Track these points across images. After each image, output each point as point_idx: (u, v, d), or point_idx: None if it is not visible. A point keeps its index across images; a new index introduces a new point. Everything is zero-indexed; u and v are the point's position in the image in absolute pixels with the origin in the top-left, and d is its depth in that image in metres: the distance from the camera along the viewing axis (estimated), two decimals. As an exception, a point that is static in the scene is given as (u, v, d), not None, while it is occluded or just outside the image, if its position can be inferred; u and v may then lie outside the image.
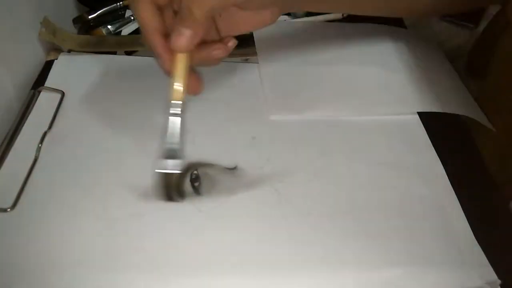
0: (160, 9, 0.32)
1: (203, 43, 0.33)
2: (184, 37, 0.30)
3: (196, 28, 0.30)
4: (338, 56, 0.49)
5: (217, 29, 0.36)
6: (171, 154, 0.32)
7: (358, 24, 0.54)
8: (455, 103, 0.44)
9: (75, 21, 0.52)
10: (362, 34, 0.53)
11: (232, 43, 0.35)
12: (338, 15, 0.57)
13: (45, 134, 0.38)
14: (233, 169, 0.37)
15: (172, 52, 0.31)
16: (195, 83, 0.33)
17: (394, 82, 0.46)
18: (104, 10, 0.53)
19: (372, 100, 0.44)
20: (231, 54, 0.47)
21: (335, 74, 0.46)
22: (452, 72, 0.50)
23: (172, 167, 0.32)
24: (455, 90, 0.47)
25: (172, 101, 0.31)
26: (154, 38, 0.31)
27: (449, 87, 0.47)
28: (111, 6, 0.53)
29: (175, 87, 0.31)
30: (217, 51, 0.34)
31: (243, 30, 0.36)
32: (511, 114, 0.43)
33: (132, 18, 0.52)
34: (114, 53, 0.47)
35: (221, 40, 0.35)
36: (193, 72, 0.33)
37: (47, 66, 0.45)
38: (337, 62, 0.48)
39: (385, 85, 0.45)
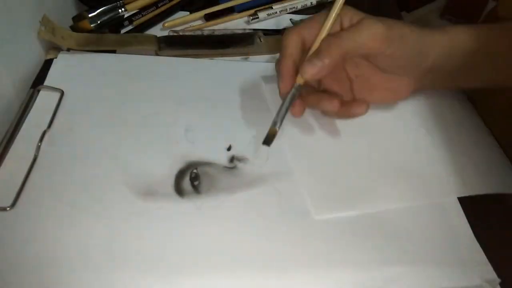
0: (303, 48, 0.36)
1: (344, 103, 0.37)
2: (314, 67, 0.34)
3: (327, 64, 0.34)
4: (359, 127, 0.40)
5: (352, 91, 0.39)
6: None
7: None
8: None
9: (75, 19, 0.52)
10: None
11: (365, 108, 0.37)
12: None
13: (44, 133, 0.38)
14: (233, 168, 0.37)
15: (292, 81, 0.36)
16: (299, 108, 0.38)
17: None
18: (104, 9, 0.53)
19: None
20: (230, 53, 0.48)
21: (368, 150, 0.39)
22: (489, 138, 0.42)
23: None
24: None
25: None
26: (286, 62, 0.36)
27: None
28: (111, 5, 0.53)
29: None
30: (357, 109, 0.38)
31: (376, 97, 0.39)
32: (502, 114, 0.43)
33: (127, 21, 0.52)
34: (114, 51, 0.47)
35: (355, 101, 0.39)
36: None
37: (47, 65, 0.45)
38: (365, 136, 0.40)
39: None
